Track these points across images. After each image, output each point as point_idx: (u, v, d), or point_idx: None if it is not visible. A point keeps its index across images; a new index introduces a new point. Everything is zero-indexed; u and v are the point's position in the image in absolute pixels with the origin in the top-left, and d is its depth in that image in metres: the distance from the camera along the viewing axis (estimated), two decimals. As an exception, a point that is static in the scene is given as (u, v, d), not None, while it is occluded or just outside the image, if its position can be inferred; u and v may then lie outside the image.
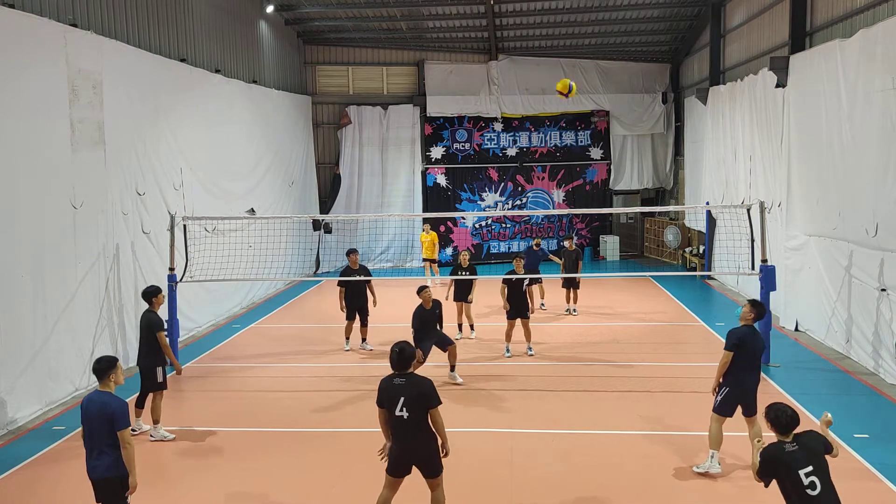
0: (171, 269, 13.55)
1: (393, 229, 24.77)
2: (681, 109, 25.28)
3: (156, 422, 10.03)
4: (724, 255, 17.84)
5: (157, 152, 14.75)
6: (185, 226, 13.97)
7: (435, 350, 11.85)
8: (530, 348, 13.83)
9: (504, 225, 25.91)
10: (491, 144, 25.57)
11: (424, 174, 25.31)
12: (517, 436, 9.87)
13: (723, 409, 8.50)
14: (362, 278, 14.19)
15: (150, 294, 10.24)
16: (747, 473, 8.04)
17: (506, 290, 13.39)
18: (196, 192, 16.29)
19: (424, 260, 21.09)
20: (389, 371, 7.06)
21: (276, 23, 22.35)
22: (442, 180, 25.42)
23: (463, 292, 14.76)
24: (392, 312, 15.98)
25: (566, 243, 17.17)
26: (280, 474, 8.86)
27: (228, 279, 15.71)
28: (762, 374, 8.96)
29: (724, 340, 8.69)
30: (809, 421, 9.15)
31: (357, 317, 14.32)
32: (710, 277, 20.87)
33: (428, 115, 24.98)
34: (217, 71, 17.92)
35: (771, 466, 5.77)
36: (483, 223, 25.69)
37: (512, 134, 25.53)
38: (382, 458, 7.11)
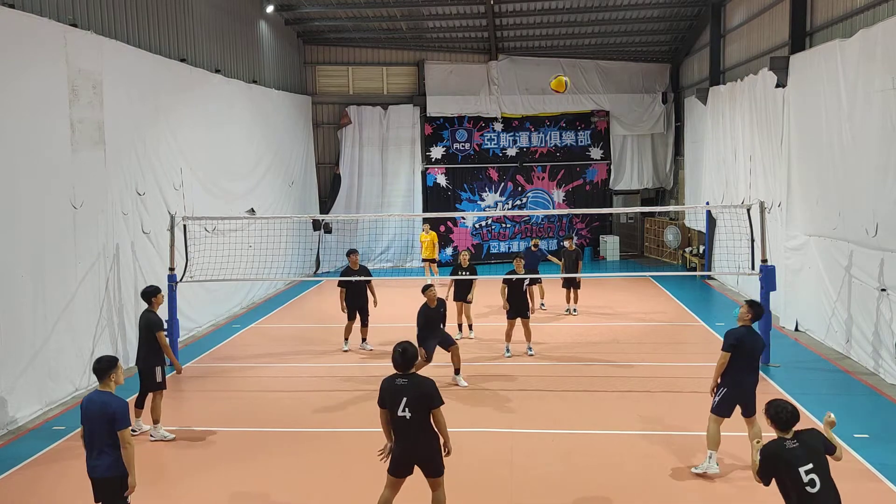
0: (171, 269, 13.56)
1: (393, 229, 24.75)
2: (681, 109, 25.28)
3: (156, 422, 10.04)
4: (724, 255, 17.84)
5: (157, 152, 14.75)
6: (185, 226, 13.98)
7: (439, 350, 11.85)
8: (530, 348, 13.84)
9: (504, 225, 25.91)
10: (491, 144, 25.56)
11: (424, 174, 25.31)
12: (517, 436, 9.87)
13: (721, 410, 8.49)
14: (363, 278, 14.20)
15: (150, 294, 10.26)
16: (746, 474, 8.05)
17: (506, 290, 13.39)
18: (196, 192, 16.29)
19: (424, 260, 21.06)
20: (389, 371, 7.06)
21: (276, 23, 22.35)
22: (442, 180, 25.42)
23: (463, 292, 14.76)
24: (392, 313, 15.99)
25: (566, 243, 17.17)
26: (280, 474, 8.86)
27: (228, 279, 15.72)
28: (762, 375, 8.96)
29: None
30: (810, 421, 9.15)
31: (357, 317, 14.34)
32: (710, 277, 20.88)
33: (428, 115, 24.97)
34: (217, 71, 17.92)
35: (771, 463, 5.75)
36: (483, 223, 25.68)
37: (512, 134, 25.53)
38: (382, 459, 7.11)
